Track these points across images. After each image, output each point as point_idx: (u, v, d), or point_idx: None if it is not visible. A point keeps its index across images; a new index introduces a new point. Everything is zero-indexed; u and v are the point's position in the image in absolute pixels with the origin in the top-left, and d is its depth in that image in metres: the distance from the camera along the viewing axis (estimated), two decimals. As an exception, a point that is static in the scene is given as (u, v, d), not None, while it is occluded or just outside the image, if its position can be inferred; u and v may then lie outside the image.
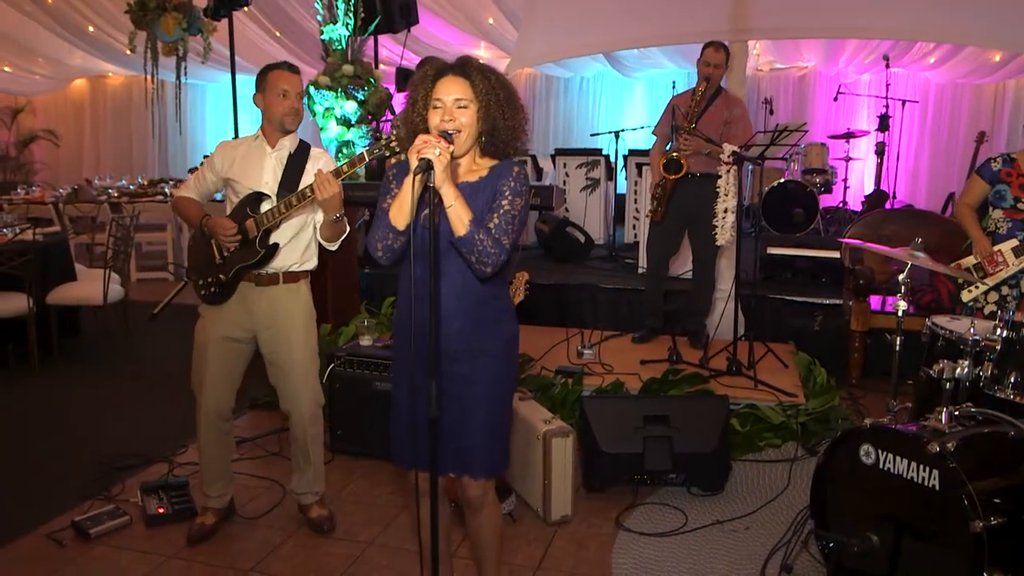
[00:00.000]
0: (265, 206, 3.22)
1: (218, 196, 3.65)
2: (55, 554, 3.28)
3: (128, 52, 6.67)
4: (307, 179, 3.24)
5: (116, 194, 9.10)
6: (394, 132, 2.71)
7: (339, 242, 3.27)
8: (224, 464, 3.49)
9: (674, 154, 5.11)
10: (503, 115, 2.32)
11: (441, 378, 2.24)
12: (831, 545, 2.88)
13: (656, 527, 3.50)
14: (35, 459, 4.19)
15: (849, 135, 8.85)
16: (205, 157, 3.44)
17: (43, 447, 4.35)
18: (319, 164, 3.29)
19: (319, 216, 3.23)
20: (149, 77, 6.56)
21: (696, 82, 5.30)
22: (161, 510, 3.54)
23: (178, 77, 6.65)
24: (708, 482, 3.80)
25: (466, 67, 2.30)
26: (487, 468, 2.48)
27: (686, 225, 5.39)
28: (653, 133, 5.57)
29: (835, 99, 9.47)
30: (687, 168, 5.10)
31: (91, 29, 10.51)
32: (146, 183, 9.93)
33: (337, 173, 2.94)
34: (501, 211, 2.30)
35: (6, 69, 11.98)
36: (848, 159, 8.92)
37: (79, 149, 13.47)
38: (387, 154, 2.84)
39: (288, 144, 3.30)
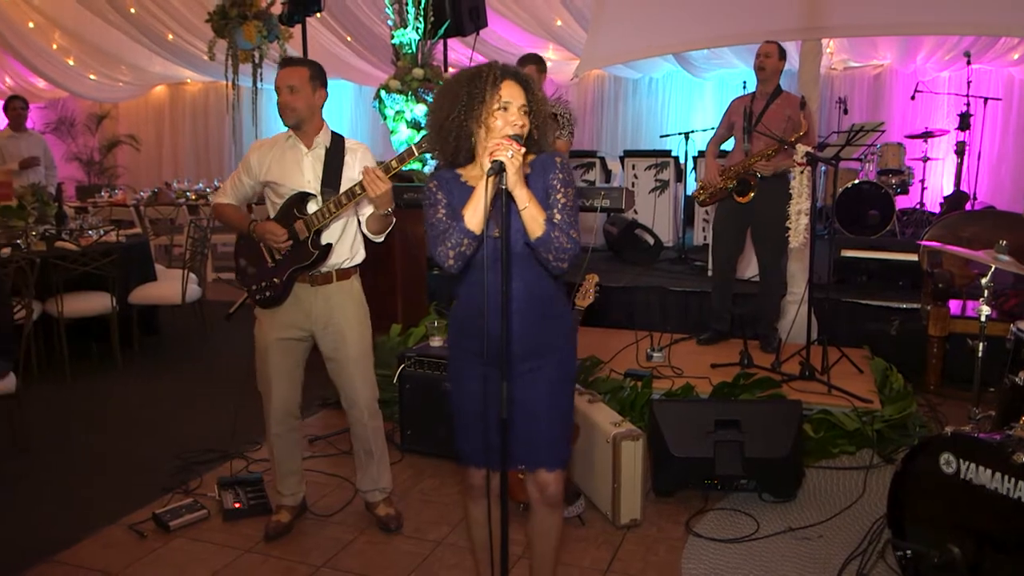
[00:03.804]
0: (311, 206, 3.21)
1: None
2: (137, 545, 3.39)
3: (207, 59, 6.86)
4: (347, 172, 3.24)
5: (193, 197, 9.37)
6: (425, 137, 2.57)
7: (385, 235, 3.20)
8: (294, 462, 3.55)
9: (748, 178, 5.08)
10: (543, 117, 2.38)
11: (512, 380, 2.25)
12: (909, 555, 2.80)
13: (727, 533, 3.45)
14: (118, 452, 4.34)
15: (927, 134, 8.60)
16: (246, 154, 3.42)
17: (125, 441, 4.50)
18: (357, 156, 3.28)
19: (364, 211, 3.22)
20: (230, 83, 6.72)
21: (756, 83, 5.29)
22: (237, 505, 3.63)
23: (254, 83, 6.81)
24: (780, 488, 3.73)
25: (520, 73, 2.36)
26: (561, 459, 2.52)
27: (748, 224, 5.33)
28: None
29: (912, 98, 9.20)
30: (754, 190, 5.08)
31: (170, 37, 10.84)
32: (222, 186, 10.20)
33: (386, 169, 2.86)
34: (559, 205, 2.33)
35: (92, 77, 12.43)
36: (926, 159, 8.67)
37: (159, 153, 13.90)
38: None
39: (323, 139, 3.28)
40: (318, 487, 3.88)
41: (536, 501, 2.57)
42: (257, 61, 6.70)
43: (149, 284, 6.23)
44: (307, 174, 3.25)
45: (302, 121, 3.22)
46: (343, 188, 3.18)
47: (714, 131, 5.59)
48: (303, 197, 3.22)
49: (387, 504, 3.55)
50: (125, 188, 11.26)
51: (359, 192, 2.99)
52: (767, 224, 5.18)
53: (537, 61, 5.25)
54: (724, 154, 5.74)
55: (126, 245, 6.16)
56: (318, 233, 3.21)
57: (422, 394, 4.18)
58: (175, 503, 3.65)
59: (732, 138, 5.44)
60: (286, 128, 3.28)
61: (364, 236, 3.33)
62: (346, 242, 3.32)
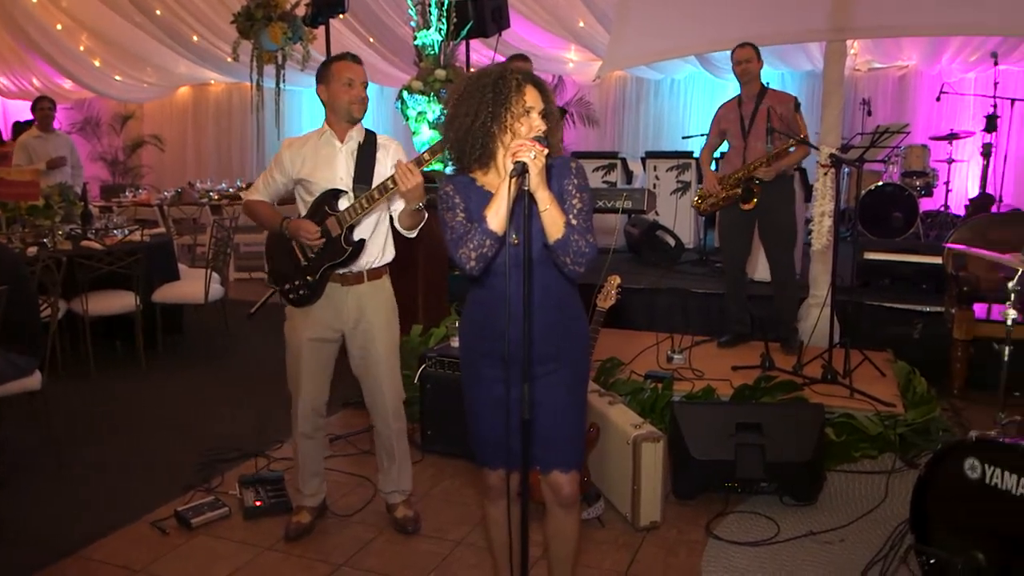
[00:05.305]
0: (343, 203, 3.21)
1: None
2: (159, 541, 3.42)
3: (230, 60, 6.90)
4: (379, 169, 3.25)
5: (216, 197, 9.44)
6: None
7: (418, 230, 3.21)
8: (318, 462, 3.57)
9: (751, 185, 5.08)
10: (555, 120, 2.39)
11: (532, 382, 2.25)
12: (932, 561, 2.78)
13: (747, 536, 3.44)
14: (141, 450, 4.38)
15: (952, 136, 8.52)
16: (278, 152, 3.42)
17: (148, 438, 4.55)
18: (390, 151, 3.30)
19: (396, 206, 3.22)
20: (254, 85, 6.77)
21: (740, 87, 5.34)
22: (258, 503, 3.65)
23: (277, 84, 6.85)
24: (801, 492, 3.71)
25: (537, 78, 2.38)
26: (576, 461, 2.54)
27: (753, 226, 5.35)
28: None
29: (938, 99, 9.10)
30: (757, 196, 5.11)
31: (195, 39, 10.93)
32: (245, 186, 10.27)
33: (419, 162, 2.82)
34: (575, 210, 2.35)
35: (117, 78, 12.56)
36: (951, 161, 8.59)
37: (182, 154, 14.01)
38: None
39: (356, 135, 3.29)
40: (339, 486, 3.90)
41: (551, 502, 2.57)
42: (280, 62, 6.74)
43: (172, 283, 6.28)
44: (340, 170, 3.26)
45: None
46: (374, 184, 3.17)
47: (705, 139, 5.62)
48: (335, 194, 3.23)
49: (406, 506, 3.56)
50: (149, 188, 11.36)
51: (391, 187, 2.98)
52: (773, 224, 5.25)
53: (526, 59, 5.40)
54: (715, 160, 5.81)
55: (150, 244, 6.21)
56: (351, 229, 3.20)
57: (443, 394, 4.18)
58: (197, 500, 3.68)
59: (725, 143, 5.49)
60: (320, 126, 3.31)
61: (395, 232, 3.33)
62: (378, 240, 3.33)
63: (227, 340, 6.46)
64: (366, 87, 3.29)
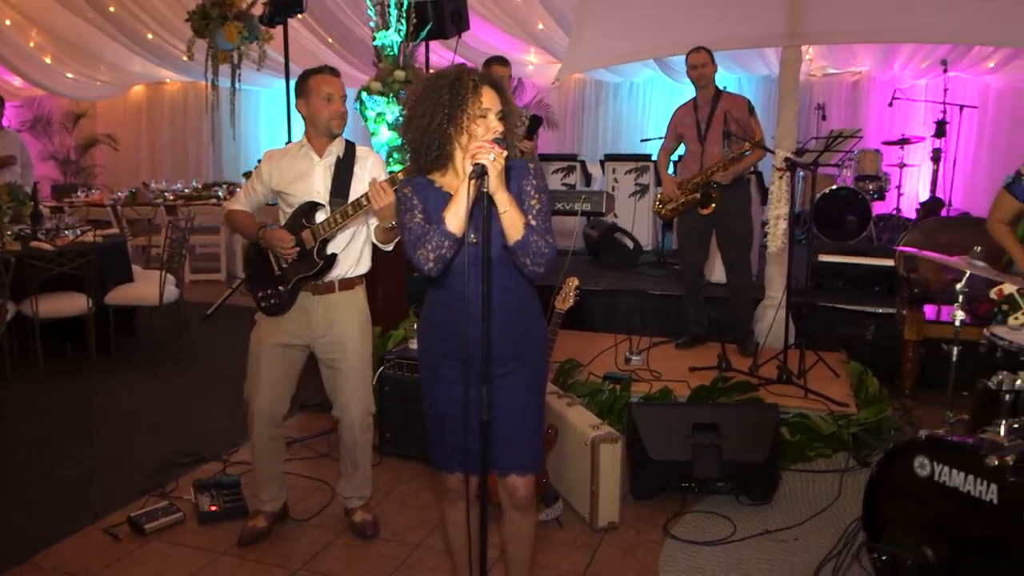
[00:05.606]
0: (320, 216, 3.22)
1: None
2: (112, 548, 3.36)
3: (186, 59, 6.81)
4: (356, 182, 3.25)
5: (172, 197, 9.31)
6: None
7: (394, 244, 3.17)
8: (276, 469, 3.53)
9: (709, 190, 5.13)
10: (513, 121, 2.39)
11: (491, 383, 2.25)
12: (884, 558, 2.83)
13: (704, 535, 3.47)
14: (94, 455, 4.29)
15: (904, 141, 8.70)
16: (259, 163, 3.44)
17: (101, 443, 4.46)
18: (367, 165, 3.30)
19: (373, 220, 3.21)
20: (210, 84, 6.68)
21: (695, 91, 5.39)
22: (214, 508, 3.60)
23: (233, 84, 6.77)
24: (757, 491, 3.76)
25: (495, 80, 2.37)
26: (534, 465, 2.55)
27: (711, 229, 5.41)
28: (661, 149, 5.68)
29: (890, 104, 9.30)
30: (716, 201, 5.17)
31: (150, 36, 10.76)
32: (201, 187, 10.15)
33: (392, 181, 2.82)
34: (534, 211, 2.36)
35: (68, 75, 12.31)
36: (902, 166, 8.77)
37: (137, 153, 13.77)
38: None
39: (336, 149, 3.29)
40: (296, 490, 3.86)
41: (507, 505, 2.57)
42: (236, 62, 6.66)
43: (126, 285, 6.17)
44: (316, 184, 3.26)
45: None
46: (351, 198, 3.17)
47: (661, 142, 5.67)
48: (312, 206, 3.23)
49: (364, 510, 3.54)
50: (102, 188, 11.15)
51: (365, 203, 2.98)
52: (730, 227, 5.33)
53: (505, 62, 5.41)
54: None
55: (103, 245, 6.10)
56: (324, 243, 3.21)
57: (401, 397, 4.17)
58: (151, 506, 3.62)
59: (681, 147, 5.55)
60: (294, 134, 3.30)
61: (373, 245, 3.33)
62: (352, 252, 3.33)
63: (183, 343, 6.36)
64: (345, 100, 3.29)
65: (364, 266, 3.40)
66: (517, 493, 2.51)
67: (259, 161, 3.45)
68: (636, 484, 3.78)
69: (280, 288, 3.28)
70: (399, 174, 2.82)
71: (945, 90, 8.88)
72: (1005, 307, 3.82)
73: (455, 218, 2.25)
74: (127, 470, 4.07)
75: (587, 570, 3.23)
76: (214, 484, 3.75)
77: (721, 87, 5.44)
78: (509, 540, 2.64)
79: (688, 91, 5.57)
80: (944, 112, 8.70)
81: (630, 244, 7.52)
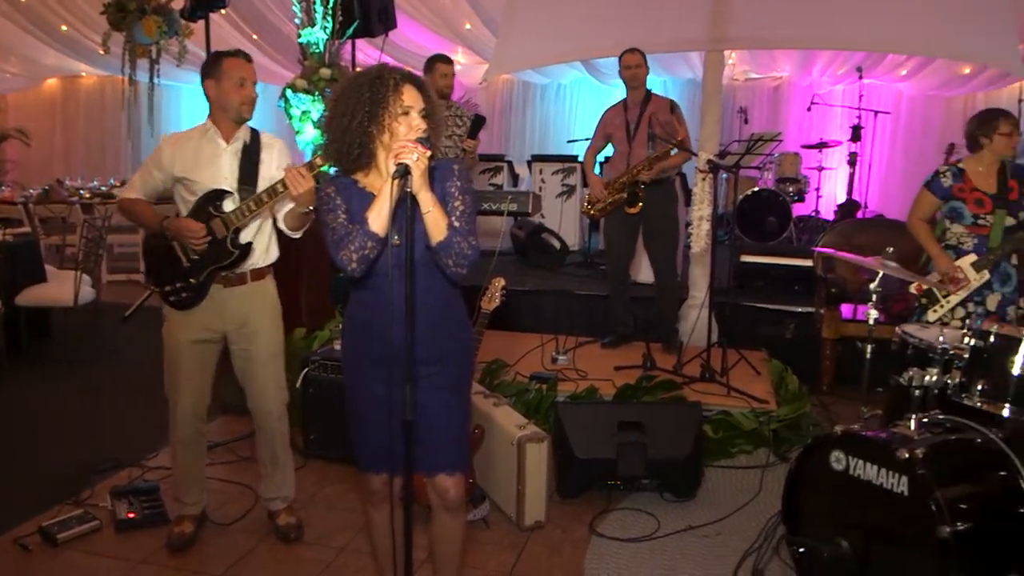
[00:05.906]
0: (228, 203, 3.13)
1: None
2: (21, 559, 3.24)
3: (102, 52, 6.59)
4: (264, 170, 3.18)
5: (88, 195, 9.00)
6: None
7: (303, 231, 3.15)
8: (199, 470, 3.46)
9: (636, 189, 5.20)
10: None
11: (415, 383, 2.24)
12: (802, 551, 2.91)
13: (629, 532, 3.51)
14: (3, 462, 4.13)
15: (822, 145, 8.95)
16: (157, 147, 3.27)
17: (11, 450, 4.29)
18: (274, 152, 3.23)
19: (281, 206, 3.15)
20: (127, 79, 6.47)
21: (627, 92, 5.45)
22: (131, 515, 3.50)
23: (151, 79, 6.57)
24: (681, 488, 3.82)
25: (417, 78, 2.37)
26: (461, 464, 2.54)
27: (638, 229, 5.48)
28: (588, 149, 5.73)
29: (808, 109, 9.57)
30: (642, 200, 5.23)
31: (64, 29, 10.40)
32: (119, 184, 9.83)
33: (310, 167, 2.73)
34: (458, 212, 2.35)
35: (-24, 66, 11.84)
36: (821, 169, 9.03)
37: (50, 149, 13.29)
38: None
39: (243, 135, 3.21)
40: (217, 494, 3.78)
41: (437, 506, 2.57)
42: (155, 57, 6.48)
43: (39, 285, 5.96)
44: (224, 170, 3.16)
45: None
46: (260, 185, 3.11)
47: (589, 143, 5.72)
48: (219, 194, 3.13)
49: (288, 513, 3.49)
50: (13, 184, 10.71)
51: (281, 190, 2.92)
52: (655, 228, 5.40)
53: (448, 60, 5.41)
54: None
55: (13, 244, 5.90)
56: (237, 231, 3.13)
57: (326, 398, 4.11)
58: (64, 515, 3.49)
59: (609, 147, 5.61)
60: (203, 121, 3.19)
61: (279, 233, 3.27)
62: (262, 241, 3.26)
63: (99, 345, 6.16)
64: (255, 86, 3.21)
65: (273, 255, 3.34)
66: (448, 494, 2.51)
67: (157, 146, 3.28)
68: (562, 483, 3.80)
69: (191, 280, 3.18)
70: (317, 158, 2.74)
71: (860, 96, 9.18)
72: (924, 301, 4.00)
73: (378, 218, 2.24)
74: (39, 477, 3.93)
75: (513, 569, 3.23)
76: (132, 490, 3.64)
77: (649, 89, 5.51)
78: (438, 541, 2.64)
79: (615, 94, 5.63)
80: (859, 117, 8.99)
81: (557, 244, 7.56)
